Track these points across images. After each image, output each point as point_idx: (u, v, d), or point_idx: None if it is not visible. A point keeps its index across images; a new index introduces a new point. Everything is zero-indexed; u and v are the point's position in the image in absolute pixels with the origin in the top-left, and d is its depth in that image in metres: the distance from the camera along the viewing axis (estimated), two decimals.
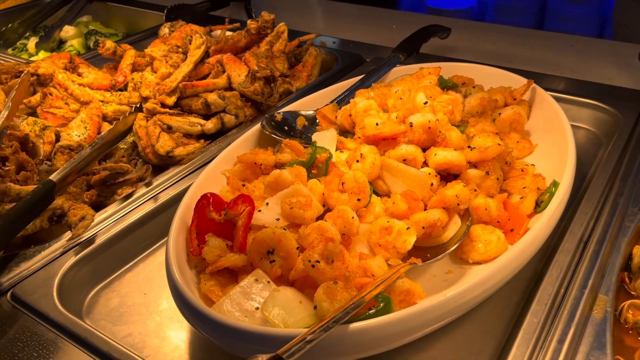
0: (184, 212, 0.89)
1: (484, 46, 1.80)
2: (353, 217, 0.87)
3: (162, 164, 1.17)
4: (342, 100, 1.26)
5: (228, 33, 1.80)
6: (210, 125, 1.23)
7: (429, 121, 0.96)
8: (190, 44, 1.44)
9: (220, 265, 0.81)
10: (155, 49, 1.42)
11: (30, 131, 1.20)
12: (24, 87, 1.28)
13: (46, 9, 2.17)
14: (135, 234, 0.98)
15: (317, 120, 1.20)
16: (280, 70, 1.39)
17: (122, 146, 1.26)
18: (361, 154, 0.97)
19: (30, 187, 1.02)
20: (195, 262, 0.84)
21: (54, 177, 0.98)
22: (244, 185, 0.99)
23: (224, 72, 1.40)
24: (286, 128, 1.17)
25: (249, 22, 1.43)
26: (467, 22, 1.93)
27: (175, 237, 0.83)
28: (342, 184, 0.92)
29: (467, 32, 1.85)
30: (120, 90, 1.43)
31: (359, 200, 0.91)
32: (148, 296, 0.90)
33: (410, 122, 0.97)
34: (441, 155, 0.94)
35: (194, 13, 1.97)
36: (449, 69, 1.28)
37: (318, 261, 0.76)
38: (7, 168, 1.06)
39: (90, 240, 0.93)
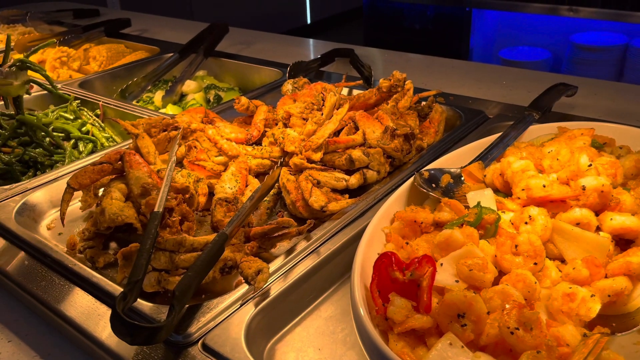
0: (360, 270, 0.91)
1: (604, 103, 1.78)
2: (536, 282, 0.86)
3: (312, 217, 1.20)
4: (483, 158, 1.27)
5: (344, 90, 1.88)
6: (354, 180, 1.26)
7: (603, 185, 0.96)
8: (323, 100, 1.50)
9: (409, 326, 0.81)
10: (292, 106, 1.48)
11: (185, 183, 1.27)
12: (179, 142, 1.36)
13: (165, 64, 2.32)
14: (302, 287, 1.00)
15: (462, 178, 1.21)
16: (412, 127, 1.42)
17: (265, 199, 1.31)
18: (529, 216, 0.97)
19: (200, 238, 1.07)
20: (377, 321, 0.85)
21: (226, 229, 1.03)
22: (407, 243, 1.01)
23: (355, 128, 1.45)
24: (433, 185, 1.18)
25: (381, 80, 1.48)
26: (583, 79, 1.91)
27: (359, 296, 0.85)
28: (516, 246, 0.92)
29: (584, 89, 1.83)
30: (254, 144, 1.50)
31: (535, 264, 0.90)
32: (323, 352, 0.92)
33: (583, 185, 0.97)
34: (619, 221, 0.93)
35: (308, 70, 2.05)
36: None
37: (517, 328, 0.76)
38: (174, 219, 1.13)
39: (265, 294, 0.96)
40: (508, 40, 5.37)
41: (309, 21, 8.59)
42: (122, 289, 0.99)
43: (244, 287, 0.97)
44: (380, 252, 1.00)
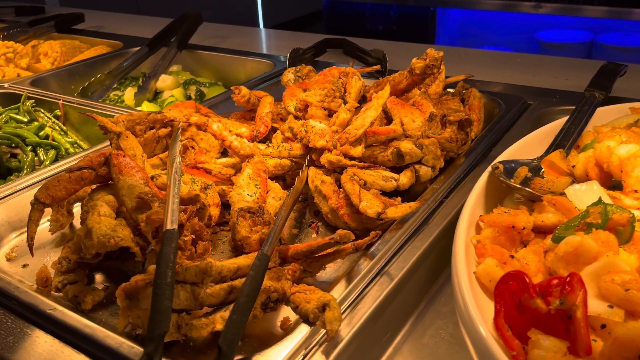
0: (472, 302, 0.65)
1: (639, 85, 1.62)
2: None
3: (360, 228, 0.95)
4: (558, 147, 1.05)
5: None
6: (405, 179, 1.01)
7: None
8: (344, 86, 1.25)
9: None
10: (309, 94, 1.22)
11: (193, 191, 0.98)
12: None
13: (132, 58, 2.01)
14: (377, 324, 0.74)
15: (543, 171, 0.98)
16: (466, 112, 1.19)
17: None
18: None
19: (228, 263, 0.79)
20: None
21: (265, 249, 0.75)
22: (512, 256, 0.76)
23: (386, 117, 1.20)
24: (511, 180, 0.95)
25: (414, 61, 1.24)
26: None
27: (493, 342, 0.60)
28: None
29: None
30: (261, 141, 1.22)
31: None
32: None
33: None
34: None
35: (302, 60, 1.80)
36: None
37: None
38: (186, 238, 0.84)
39: (333, 337, 0.69)
40: (473, 41, 5.29)
41: (261, 27, 8.28)
42: (125, 340, 0.70)
43: (301, 329, 0.70)
44: (476, 271, 0.76)
